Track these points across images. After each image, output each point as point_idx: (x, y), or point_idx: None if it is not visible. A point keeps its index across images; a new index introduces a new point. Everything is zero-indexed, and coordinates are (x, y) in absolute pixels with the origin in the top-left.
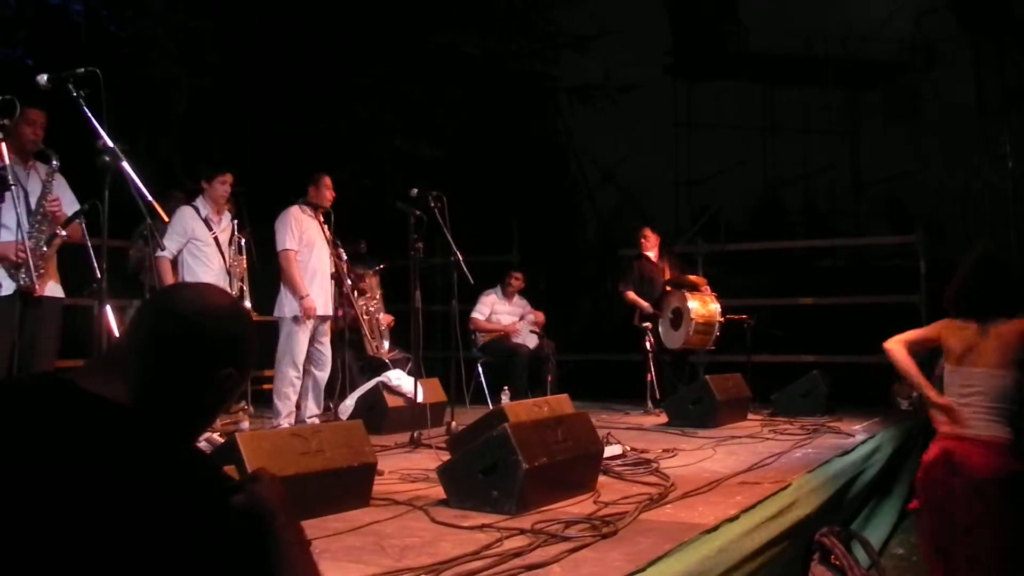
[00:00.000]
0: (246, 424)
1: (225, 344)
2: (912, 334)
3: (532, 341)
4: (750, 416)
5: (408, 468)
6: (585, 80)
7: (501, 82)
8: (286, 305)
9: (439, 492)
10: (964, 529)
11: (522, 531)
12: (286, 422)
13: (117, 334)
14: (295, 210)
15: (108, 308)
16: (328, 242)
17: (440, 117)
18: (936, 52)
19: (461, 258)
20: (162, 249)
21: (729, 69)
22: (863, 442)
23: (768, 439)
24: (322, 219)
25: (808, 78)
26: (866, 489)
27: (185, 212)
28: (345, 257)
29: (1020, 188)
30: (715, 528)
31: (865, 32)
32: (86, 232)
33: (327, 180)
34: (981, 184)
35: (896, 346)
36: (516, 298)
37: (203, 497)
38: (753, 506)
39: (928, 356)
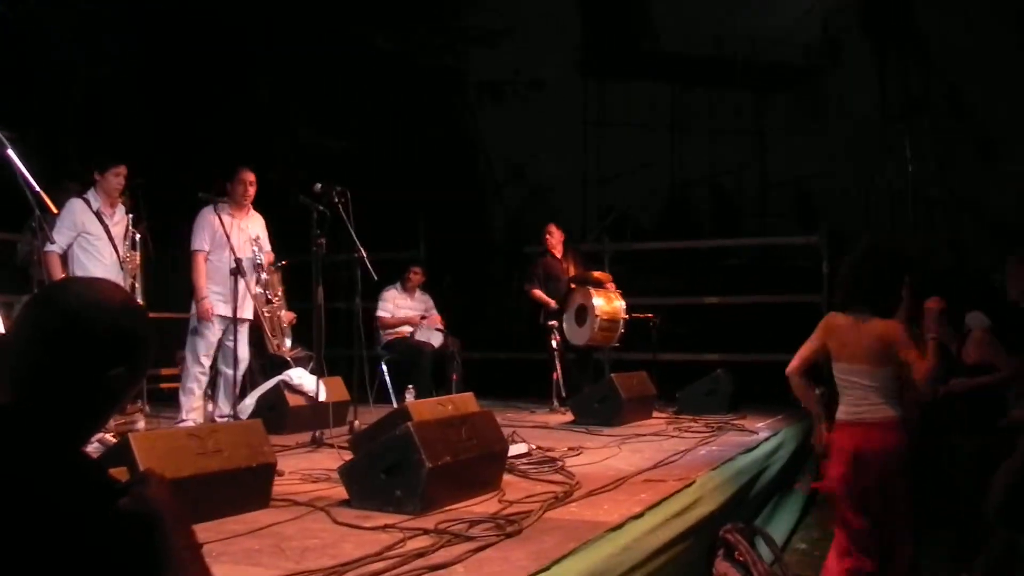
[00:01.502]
0: (142, 424)
1: (117, 341)
2: (805, 351)
3: (437, 339)
4: (655, 414)
5: (309, 468)
6: (494, 76)
7: (410, 77)
8: (193, 303)
9: (341, 492)
10: (880, 507)
11: (425, 531)
12: (190, 418)
13: (2, 330)
14: (209, 210)
15: None
16: (249, 241)
17: (347, 111)
18: (842, 56)
19: (365, 255)
20: (51, 243)
21: (639, 68)
22: (766, 439)
23: (673, 437)
24: (237, 218)
25: (717, 79)
26: (769, 485)
27: (75, 205)
28: (261, 261)
29: (920, 192)
30: (620, 526)
31: (773, 35)
32: None
33: (244, 175)
34: (883, 187)
35: (795, 378)
36: (418, 293)
37: (84, 501)
38: (658, 503)
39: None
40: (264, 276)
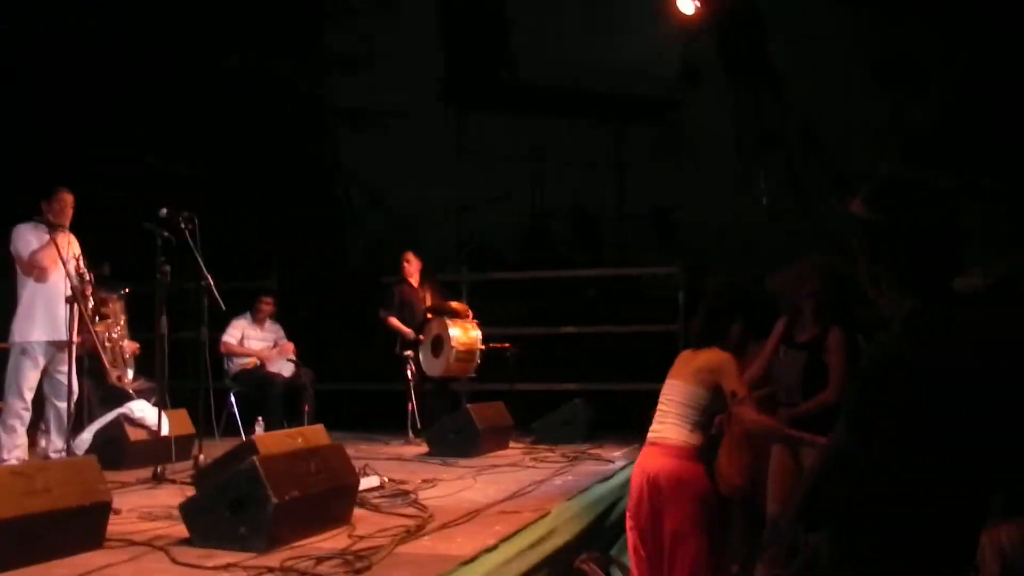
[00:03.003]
0: None
1: None
2: None
3: (288, 370)
4: (512, 444)
5: (149, 506)
6: (354, 103)
7: (267, 101)
8: (15, 331)
9: (182, 531)
10: (652, 529)
11: (270, 570)
12: (13, 457)
13: None
14: (30, 226)
15: None
16: (66, 262)
17: (200, 134)
18: (700, 90)
19: (213, 283)
20: None
21: (500, 99)
22: (623, 468)
23: (529, 467)
24: (59, 238)
25: (577, 111)
26: (625, 515)
27: None
28: (88, 278)
29: (774, 225)
30: (473, 559)
31: (632, 67)
32: None
33: (64, 196)
34: (741, 218)
35: None
36: (268, 323)
37: None
38: (512, 535)
39: None
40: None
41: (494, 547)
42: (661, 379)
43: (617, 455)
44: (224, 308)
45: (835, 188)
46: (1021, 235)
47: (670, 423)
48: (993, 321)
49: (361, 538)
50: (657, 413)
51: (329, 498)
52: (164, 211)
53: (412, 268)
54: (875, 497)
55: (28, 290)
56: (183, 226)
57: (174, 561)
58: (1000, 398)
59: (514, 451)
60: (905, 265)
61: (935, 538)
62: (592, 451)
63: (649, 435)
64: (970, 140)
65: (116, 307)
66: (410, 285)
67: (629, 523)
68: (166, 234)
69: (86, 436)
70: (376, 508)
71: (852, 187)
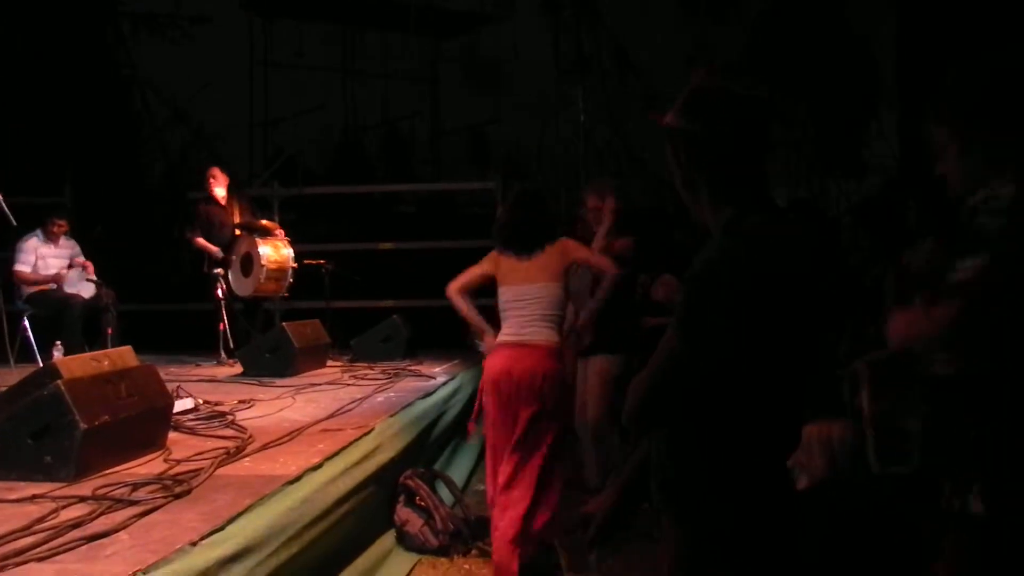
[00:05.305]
0: None
1: None
2: (468, 274)
3: (88, 290)
4: (330, 363)
5: None
6: (153, 7)
7: (55, 3)
8: None
9: None
10: (524, 426)
11: (82, 499)
12: None
13: None
14: None
15: None
16: None
17: None
18: (517, 8)
19: (1, 198)
20: None
21: (309, 7)
22: (444, 384)
23: (349, 385)
24: None
25: (391, 23)
26: (448, 429)
27: None
28: None
29: (589, 143)
30: (298, 478)
31: None
32: None
33: None
34: (556, 136)
35: (456, 296)
36: (63, 240)
37: None
38: (337, 453)
39: None
40: None
41: (319, 465)
42: (478, 295)
43: (438, 371)
44: (15, 224)
45: (645, 109)
46: (823, 159)
47: (539, 327)
48: (801, 228)
49: (178, 462)
50: (517, 318)
51: (142, 422)
52: None
53: (219, 183)
54: (710, 397)
55: None
56: None
57: None
58: (813, 297)
59: (332, 369)
60: (722, 172)
61: (766, 430)
62: (412, 367)
63: (510, 338)
64: (773, 68)
65: None
66: (217, 203)
67: (496, 419)
68: None
69: None
70: (192, 431)
71: (661, 106)
